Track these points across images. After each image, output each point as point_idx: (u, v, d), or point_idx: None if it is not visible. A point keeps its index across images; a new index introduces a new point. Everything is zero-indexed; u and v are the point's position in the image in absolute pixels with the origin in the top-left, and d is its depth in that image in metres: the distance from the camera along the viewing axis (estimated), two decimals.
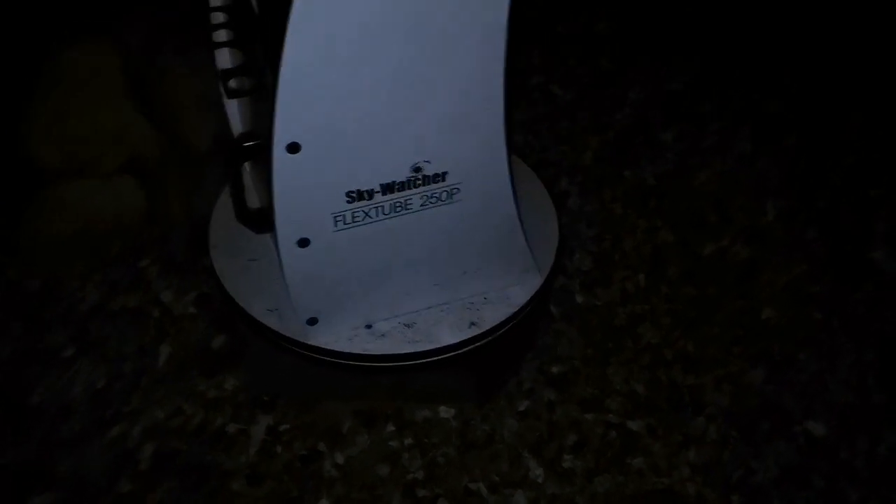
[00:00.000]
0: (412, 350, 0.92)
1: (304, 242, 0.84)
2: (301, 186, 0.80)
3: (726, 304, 1.17)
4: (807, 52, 1.51)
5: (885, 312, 1.16)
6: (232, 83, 0.88)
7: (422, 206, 0.86)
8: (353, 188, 0.82)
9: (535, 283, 0.97)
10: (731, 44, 1.53)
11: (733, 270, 1.21)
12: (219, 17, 0.93)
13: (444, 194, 0.86)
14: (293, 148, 0.76)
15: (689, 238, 1.25)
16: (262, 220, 0.94)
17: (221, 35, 0.91)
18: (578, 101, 1.42)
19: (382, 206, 0.84)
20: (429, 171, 0.83)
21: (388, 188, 0.83)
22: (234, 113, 1.01)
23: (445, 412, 1.06)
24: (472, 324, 0.94)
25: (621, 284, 1.19)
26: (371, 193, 0.83)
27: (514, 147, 1.34)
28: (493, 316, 0.95)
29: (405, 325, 0.94)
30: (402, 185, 0.83)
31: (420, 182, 0.84)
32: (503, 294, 0.97)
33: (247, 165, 1.04)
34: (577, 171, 1.32)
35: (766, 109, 1.42)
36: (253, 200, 1.00)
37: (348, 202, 0.83)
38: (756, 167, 1.34)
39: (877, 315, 1.16)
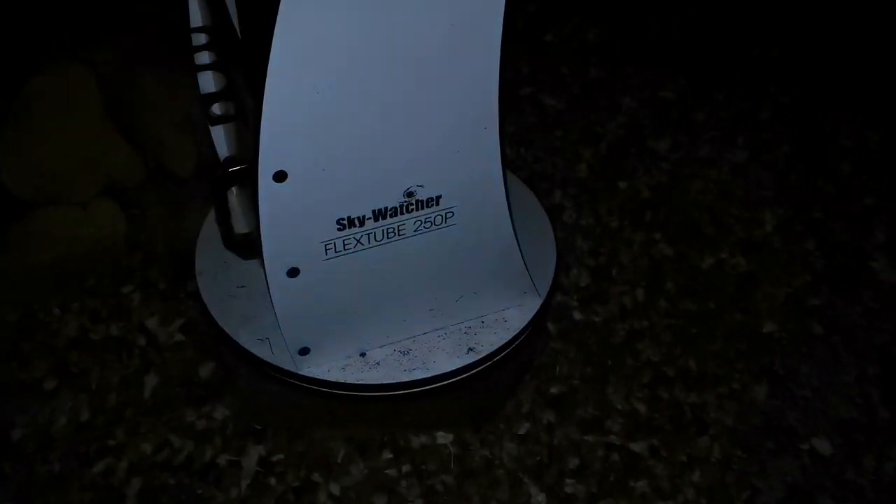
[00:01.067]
0: (408, 378, 0.90)
1: (293, 272, 0.81)
2: (289, 215, 0.77)
3: (726, 318, 1.15)
4: (798, 59, 1.50)
5: (885, 325, 1.14)
6: (214, 108, 0.85)
7: (415, 231, 0.83)
8: (344, 215, 0.79)
9: (534, 304, 0.95)
10: (723, 51, 1.51)
11: (732, 283, 1.19)
12: (200, 39, 0.89)
13: (439, 218, 0.83)
14: (280, 177, 0.73)
15: (686, 251, 1.22)
16: (249, 246, 0.91)
17: (204, 57, 0.88)
18: (570, 112, 1.40)
19: (374, 233, 0.81)
20: (422, 195, 0.81)
21: (380, 214, 0.80)
22: (220, 136, 0.97)
23: (443, 437, 1.03)
24: (470, 349, 0.92)
25: (619, 300, 1.17)
26: (363, 220, 0.80)
27: (507, 162, 1.32)
28: (491, 340, 0.92)
29: (401, 352, 0.91)
30: (395, 211, 0.81)
31: (413, 207, 0.81)
32: (501, 317, 0.94)
33: (234, 189, 1.01)
34: (570, 183, 1.30)
35: (759, 117, 1.40)
36: (240, 225, 0.97)
37: (339, 230, 0.80)
38: (751, 177, 1.32)
39: (877, 327, 1.14)
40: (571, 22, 1.54)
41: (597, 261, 1.21)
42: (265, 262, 0.79)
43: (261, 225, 0.76)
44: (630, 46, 1.51)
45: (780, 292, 1.18)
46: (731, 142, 1.36)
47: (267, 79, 0.68)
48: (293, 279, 0.81)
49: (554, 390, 1.08)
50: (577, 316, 1.15)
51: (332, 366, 0.89)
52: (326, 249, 0.81)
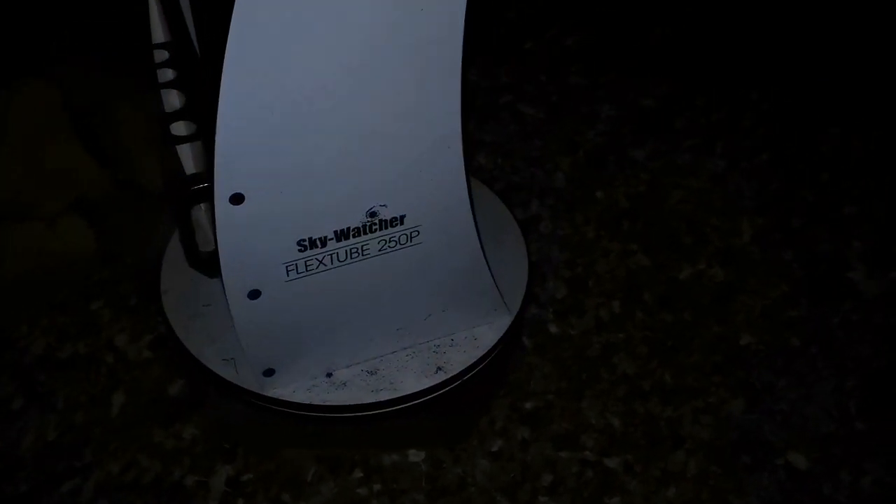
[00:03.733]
0: (375, 399, 0.88)
1: (254, 294, 0.79)
2: (248, 238, 0.75)
3: (703, 330, 1.14)
4: (778, 67, 1.49)
5: (863, 336, 1.13)
6: (174, 128, 0.83)
7: (380, 250, 0.82)
8: (305, 236, 0.77)
9: (504, 322, 0.94)
10: (703, 59, 1.50)
11: (710, 294, 1.18)
12: (163, 55, 0.88)
13: (404, 237, 0.82)
14: (237, 199, 0.72)
15: (664, 261, 1.21)
16: (215, 264, 0.89)
17: (166, 74, 0.86)
18: (549, 120, 1.39)
19: (337, 253, 0.80)
20: (385, 215, 0.79)
21: (342, 234, 0.79)
22: (186, 153, 0.96)
23: (415, 455, 1.02)
24: (439, 368, 0.90)
25: (596, 312, 1.16)
26: (324, 241, 0.78)
27: (483, 170, 1.30)
28: (460, 359, 0.91)
29: (368, 372, 0.90)
30: (358, 231, 0.79)
31: (377, 227, 0.80)
32: (471, 335, 0.93)
33: (202, 206, 1.00)
34: (548, 193, 1.29)
35: (738, 125, 1.39)
36: (206, 243, 0.96)
37: (300, 251, 0.78)
38: (730, 186, 1.30)
39: (855, 339, 1.13)
40: (551, 30, 1.53)
41: (573, 272, 1.20)
42: (225, 284, 0.78)
43: (219, 247, 0.75)
44: (610, 54, 1.50)
45: (757, 304, 1.17)
46: (710, 150, 1.35)
47: (220, 99, 0.66)
48: (254, 301, 0.80)
49: (528, 406, 1.06)
50: (553, 329, 1.13)
51: (297, 386, 0.88)
52: (288, 271, 0.79)
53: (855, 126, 1.40)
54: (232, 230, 0.74)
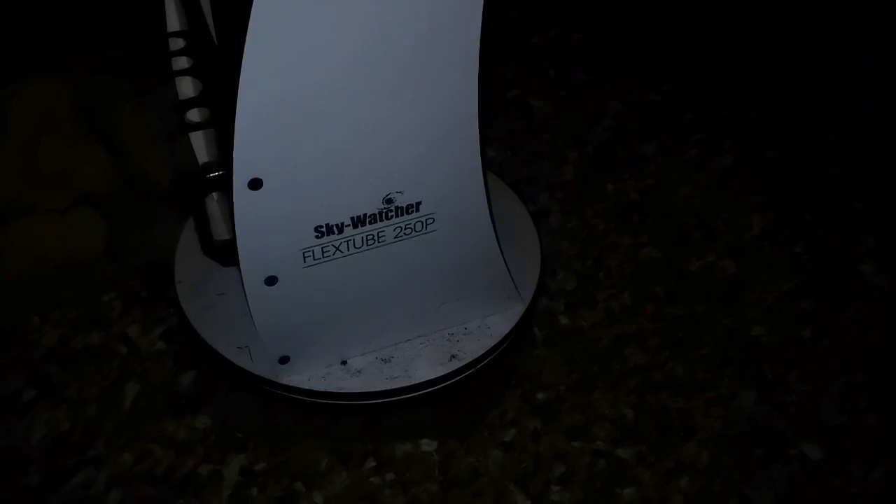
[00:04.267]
0: (389, 387, 0.88)
1: (271, 280, 0.80)
2: (266, 223, 0.75)
3: (714, 323, 1.14)
4: (786, 62, 1.49)
5: (874, 329, 1.13)
6: (190, 115, 0.83)
7: (395, 237, 0.82)
8: (322, 223, 0.77)
9: (517, 310, 0.94)
10: (709, 53, 1.50)
11: (720, 287, 1.18)
12: (178, 43, 0.88)
13: (419, 225, 0.82)
14: (255, 184, 0.72)
15: (674, 254, 1.21)
16: (229, 252, 0.89)
17: (181, 62, 0.87)
18: (557, 115, 1.39)
19: (354, 240, 0.80)
20: (401, 201, 0.79)
21: (358, 221, 0.79)
22: (199, 142, 0.96)
23: (427, 445, 1.02)
24: (453, 356, 0.90)
25: (606, 304, 1.16)
26: (341, 227, 0.78)
27: (492, 164, 1.31)
28: (474, 347, 0.91)
29: (382, 360, 0.90)
30: (374, 218, 0.79)
31: (393, 213, 0.80)
32: (484, 323, 0.93)
33: (214, 195, 1.00)
34: (557, 187, 1.29)
35: (746, 121, 1.39)
36: (220, 232, 0.96)
37: (317, 237, 0.78)
38: (738, 180, 1.31)
39: (866, 332, 1.13)
40: (557, 24, 1.53)
41: (583, 265, 1.20)
42: (242, 270, 0.78)
43: (237, 233, 0.75)
44: (616, 48, 1.50)
45: (768, 296, 1.17)
46: (718, 145, 1.35)
47: (240, 84, 0.67)
48: (271, 287, 0.80)
49: (540, 397, 1.06)
50: (564, 321, 1.13)
51: (312, 374, 0.88)
52: (305, 257, 0.79)
53: (864, 121, 1.40)
54: (250, 216, 0.74)
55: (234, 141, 0.69)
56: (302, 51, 0.67)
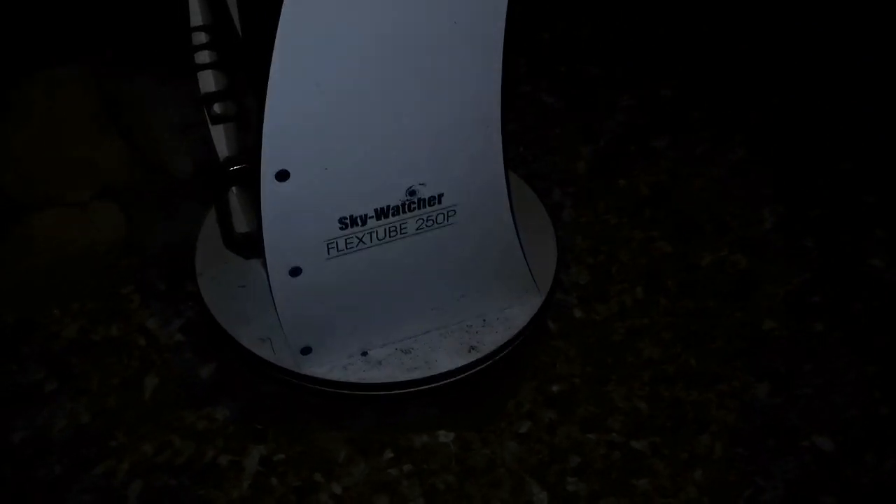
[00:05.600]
0: (409, 377, 0.89)
1: (295, 271, 0.80)
2: (291, 214, 0.76)
3: (727, 316, 1.15)
4: (797, 56, 1.50)
5: (885, 322, 1.14)
6: (215, 108, 0.84)
7: (417, 229, 0.83)
8: (346, 214, 0.78)
9: (535, 302, 0.95)
10: (720, 48, 1.51)
11: (732, 281, 1.19)
12: (200, 38, 0.89)
13: (441, 217, 0.83)
14: (282, 176, 0.73)
15: (686, 248, 1.22)
16: (250, 245, 0.90)
17: (204, 56, 0.88)
18: (568, 110, 1.40)
19: (377, 231, 0.81)
20: (424, 193, 0.80)
21: (382, 213, 0.80)
22: (220, 136, 0.97)
23: (444, 436, 1.03)
24: (472, 348, 0.91)
25: (619, 298, 1.17)
26: (365, 219, 0.79)
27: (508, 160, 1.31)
28: (493, 339, 0.92)
29: (402, 351, 0.91)
30: (397, 209, 0.80)
31: (415, 205, 0.81)
32: (503, 315, 0.94)
33: (234, 189, 1.01)
34: (569, 181, 1.30)
35: (757, 115, 1.40)
36: (240, 225, 0.97)
37: (341, 228, 0.79)
38: (750, 174, 1.32)
39: (878, 325, 1.14)
40: (567, 20, 1.54)
41: (596, 259, 1.21)
42: (267, 261, 0.79)
43: (263, 224, 0.76)
44: (626, 43, 1.51)
45: (779, 290, 1.18)
46: (729, 140, 1.36)
47: (269, 77, 0.68)
48: (295, 278, 0.81)
49: (555, 389, 1.07)
50: (578, 314, 1.14)
51: (333, 365, 0.89)
52: (328, 248, 0.80)
53: (874, 115, 1.41)
54: (276, 207, 0.75)
55: (263, 133, 0.70)
56: (329, 44, 0.68)
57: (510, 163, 1.30)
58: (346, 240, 0.80)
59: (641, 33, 1.53)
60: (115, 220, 1.10)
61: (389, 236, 0.82)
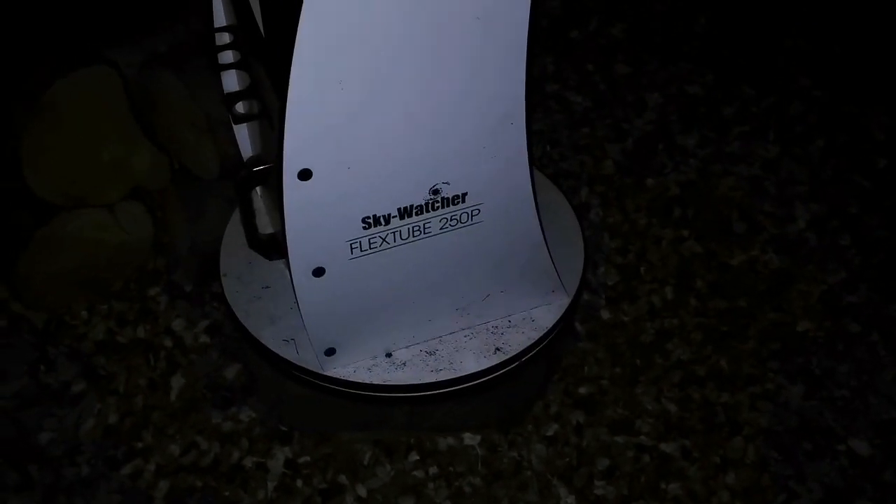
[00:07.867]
0: (434, 379, 0.88)
1: (319, 272, 0.80)
2: (314, 214, 0.76)
3: (759, 316, 1.12)
4: (829, 51, 1.46)
5: None
6: (238, 107, 0.84)
7: (441, 229, 0.82)
8: (369, 214, 0.78)
9: (562, 303, 0.93)
10: (751, 44, 1.48)
11: (765, 281, 1.16)
12: (224, 38, 0.89)
13: (465, 216, 0.82)
14: (304, 175, 0.72)
15: (716, 248, 1.20)
16: (274, 246, 0.90)
17: (228, 56, 0.87)
18: (596, 108, 1.38)
19: (400, 231, 0.80)
20: (448, 192, 0.79)
21: (405, 212, 0.79)
22: (244, 136, 0.97)
23: (470, 439, 1.02)
24: (498, 349, 0.90)
25: (648, 298, 1.15)
26: (388, 218, 0.79)
27: (533, 159, 1.30)
28: (519, 340, 0.91)
29: (427, 352, 0.90)
30: (421, 209, 0.79)
31: (439, 204, 0.80)
32: (529, 316, 0.93)
33: (258, 189, 1.01)
34: (597, 180, 1.28)
35: (789, 112, 1.37)
36: (265, 226, 0.97)
37: (364, 228, 0.78)
38: (782, 172, 1.29)
39: None
40: (595, 18, 1.52)
41: (625, 259, 1.19)
42: (290, 261, 0.79)
43: (285, 224, 0.75)
44: (654, 41, 1.48)
45: (814, 290, 1.15)
46: (761, 137, 1.33)
47: (291, 76, 0.67)
48: (319, 279, 0.80)
49: (582, 391, 1.06)
50: (606, 315, 1.13)
51: (358, 366, 0.88)
52: (352, 248, 0.79)
53: None
54: (299, 206, 0.74)
55: (285, 131, 0.70)
56: (352, 43, 0.67)
57: (537, 162, 1.30)
58: (369, 240, 0.79)
59: (673, 30, 1.51)
60: (142, 221, 1.10)
61: (413, 236, 0.81)
